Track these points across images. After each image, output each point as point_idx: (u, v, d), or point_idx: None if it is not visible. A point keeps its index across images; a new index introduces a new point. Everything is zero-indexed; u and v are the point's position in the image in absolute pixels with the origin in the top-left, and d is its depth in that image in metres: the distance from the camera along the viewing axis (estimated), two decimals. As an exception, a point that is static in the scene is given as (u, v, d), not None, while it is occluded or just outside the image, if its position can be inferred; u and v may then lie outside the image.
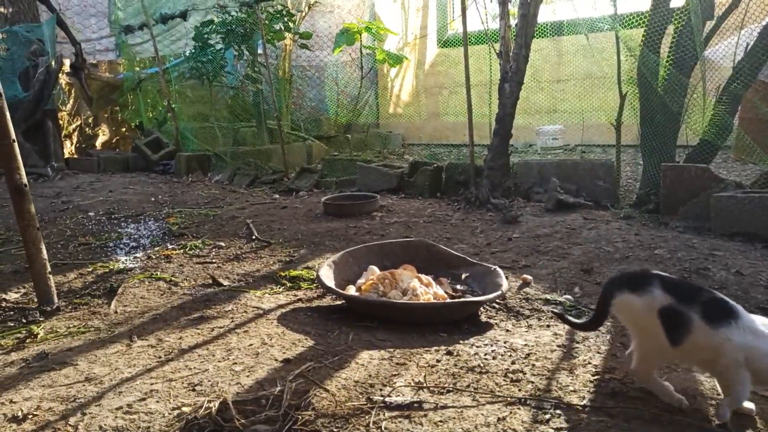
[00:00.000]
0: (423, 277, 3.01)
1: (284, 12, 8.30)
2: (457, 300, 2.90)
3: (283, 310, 2.88)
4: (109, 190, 6.66)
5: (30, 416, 1.88)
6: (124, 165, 8.92)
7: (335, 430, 1.77)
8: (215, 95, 9.54)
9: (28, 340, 2.57)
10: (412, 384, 2.04)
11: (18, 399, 2.01)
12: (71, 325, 2.74)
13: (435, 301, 2.80)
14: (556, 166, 5.44)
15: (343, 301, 2.90)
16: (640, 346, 1.89)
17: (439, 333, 2.56)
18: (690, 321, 1.74)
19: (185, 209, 5.63)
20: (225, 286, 3.31)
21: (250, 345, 2.43)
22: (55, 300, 2.99)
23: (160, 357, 2.34)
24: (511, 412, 1.85)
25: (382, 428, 1.77)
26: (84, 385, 2.09)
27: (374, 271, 3.12)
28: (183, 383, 2.08)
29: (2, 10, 8.39)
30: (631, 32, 5.45)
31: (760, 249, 3.53)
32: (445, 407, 1.88)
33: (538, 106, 8.93)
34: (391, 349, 2.36)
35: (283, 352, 2.34)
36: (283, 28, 8.40)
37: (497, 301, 2.88)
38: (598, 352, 2.32)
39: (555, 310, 2.26)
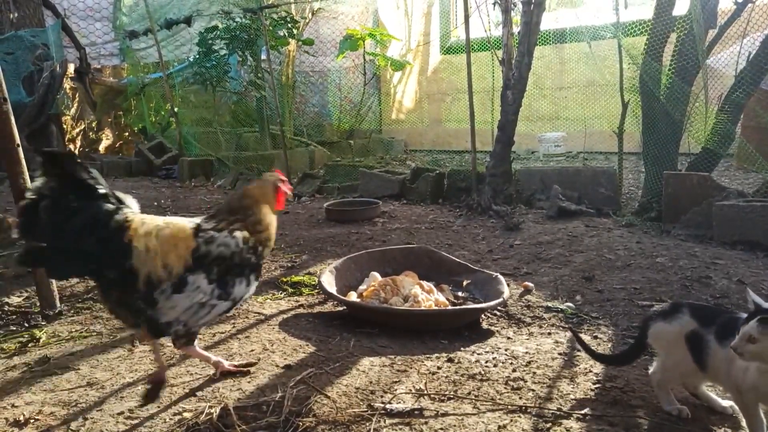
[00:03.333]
0: (424, 283, 3.01)
1: (288, 18, 8.34)
2: (458, 307, 2.90)
3: (285, 316, 2.88)
4: (112, 195, 6.67)
5: (32, 420, 1.89)
6: (127, 169, 8.95)
7: (336, 436, 1.77)
8: (218, 100, 9.57)
9: (30, 345, 2.58)
10: (413, 391, 2.05)
11: (20, 403, 2.01)
12: (73, 330, 2.74)
13: (436, 308, 2.81)
14: (558, 173, 5.44)
15: (345, 308, 2.90)
16: (667, 361, 1.90)
17: (440, 340, 2.56)
18: (708, 343, 1.76)
19: (188, 214, 5.64)
20: (227, 291, 3.31)
21: (252, 351, 2.43)
22: (58, 304, 3.00)
23: (161, 362, 2.34)
24: (511, 420, 1.85)
25: (383, 435, 1.77)
26: (86, 390, 2.10)
27: (376, 277, 3.13)
28: (184, 388, 2.09)
29: (9, 15, 8.44)
30: (633, 40, 5.46)
31: (761, 258, 3.53)
32: (445, 414, 1.88)
33: (540, 114, 8.94)
34: (392, 356, 2.37)
35: (285, 358, 2.34)
36: (286, 34, 8.44)
37: (498, 308, 2.88)
38: (600, 361, 2.32)
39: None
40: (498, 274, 3.09)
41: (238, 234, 1.99)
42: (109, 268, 1.79)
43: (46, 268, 1.91)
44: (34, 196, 1.70)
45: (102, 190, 1.80)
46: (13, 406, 1.99)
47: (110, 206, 1.81)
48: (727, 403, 1.88)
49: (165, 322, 1.89)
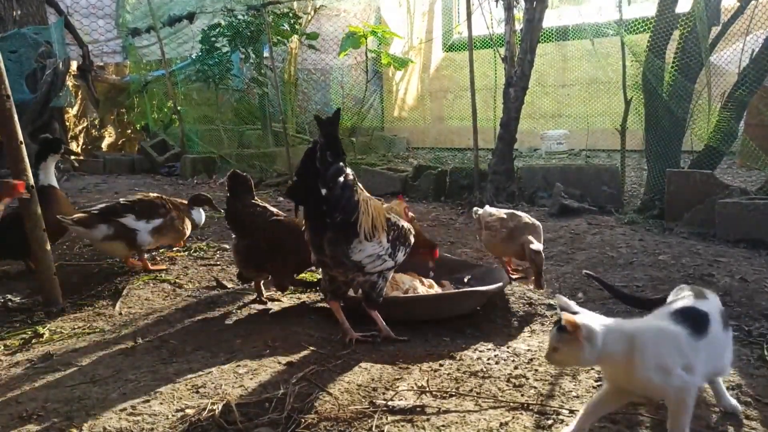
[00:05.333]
0: (424, 280, 3.01)
1: (291, 15, 8.33)
2: (459, 290, 2.90)
3: (287, 313, 2.89)
4: (115, 192, 6.68)
5: (35, 416, 1.89)
6: (129, 167, 8.95)
7: (338, 433, 1.77)
8: (221, 98, 9.57)
9: (33, 341, 2.59)
10: (415, 388, 2.05)
11: (23, 399, 2.02)
12: (76, 326, 2.75)
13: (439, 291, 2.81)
14: (560, 171, 5.44)
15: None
16: None
17: (442, 337, 2.57)
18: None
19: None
20: (229, 288, 3.32)
21: (254, 347, 2.44)
22: (61, 301, 3.01)
23: (164, 359, 2.35)
24: (513, 417, 1.85)
25: (385, 432, 1.77)
26: (88, 386, 2.11)
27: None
28: (186, 385, 2.09)
29: (12, 12, 8.45)
30: (636, 37, 5.45)
31: (764, 256, 3.52)
32: (447, 412, 1.89)
33: (542, 111, 8.92)
34: (394, 353, 2.37)
35: (287, 355, 2.35)
36: (289, 29, 8.43)
37: (500, 305, 2.88)
38: (601, 358, 2.31)
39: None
40: (497, 265, 3.09)
41: (405, 222, 2.68)
42: (337, 212, 2.25)
43: (297, 200, 2.33)
44: (314, 142, 2.24)
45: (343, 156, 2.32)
46: (17, 401, 2.00)
47: (348, 170, 2.31)
48: (733, 401, 1.87)
49: (353, 260, 2.36)
